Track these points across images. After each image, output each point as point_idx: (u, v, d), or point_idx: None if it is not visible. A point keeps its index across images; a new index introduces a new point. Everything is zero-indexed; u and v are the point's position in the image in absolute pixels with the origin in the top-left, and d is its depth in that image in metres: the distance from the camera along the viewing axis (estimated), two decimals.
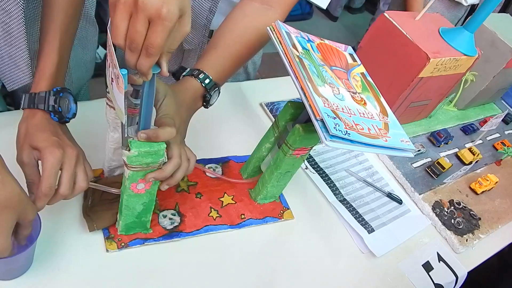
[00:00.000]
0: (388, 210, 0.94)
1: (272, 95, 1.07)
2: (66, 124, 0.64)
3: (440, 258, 0.91)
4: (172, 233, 0.72)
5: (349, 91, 0.67)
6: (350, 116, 0.62)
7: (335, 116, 0.59)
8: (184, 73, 0.73)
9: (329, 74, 0.67)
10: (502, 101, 1.51)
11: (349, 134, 0.58)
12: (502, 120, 1.36)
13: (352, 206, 0.90)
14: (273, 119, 1.00)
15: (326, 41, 0.75)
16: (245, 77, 1.17)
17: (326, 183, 0.92)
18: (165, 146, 0.57)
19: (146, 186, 0.61)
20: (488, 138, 1.29)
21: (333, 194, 0.91)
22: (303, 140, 0.70)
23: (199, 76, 0.72)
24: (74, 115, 0.65)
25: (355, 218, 0.88)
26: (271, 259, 0.76)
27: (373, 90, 0.72)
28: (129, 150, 0.55)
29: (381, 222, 0.90)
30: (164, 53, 0.49)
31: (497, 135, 1.33)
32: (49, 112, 0.61)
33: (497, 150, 1.25)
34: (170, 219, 0.73)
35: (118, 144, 0.68)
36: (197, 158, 0.84)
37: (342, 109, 0.62)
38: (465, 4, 1.76)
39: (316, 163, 0.96)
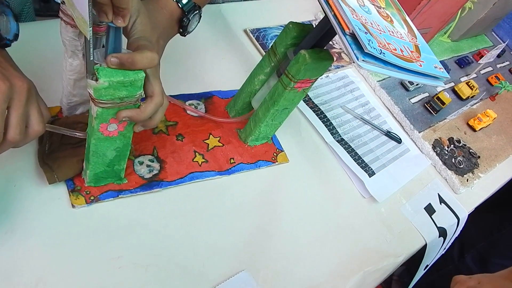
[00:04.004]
0: (388, 150, 0.85)
1: (258, 20, 0.92)
2: (7, 49, 0.49)
3: (442, 200, 0.85)
4: (152, 183, 0.60)
5: (373, 4, 0.55)
6: (381, 33, 0.50)
7: (366, 31, 0.47)
8: None
9: None
10: (493, 33, 1.42)
11: (384, 54, 0.46)
12: None
13: (351, 146, 0.81)
14: (261, 48, 0.87)
15: None
16: None
17: (322, 121, 0.82)
18: (144, 75, 0.44)
19: (120, 128, 0.48)
20: (482, 72, 1.21)
21: (330, 133, 0.81)
22: (309, 70, 0.58)
23: None
24: (16, 36, 0.49)
25: (355, 160, 0.79)
26: (266, 207, 0.67)
27: (397, 7, 0.60)
28: (96, 80, 0.41)
29: (381, 163, 0.82)
30: None
31: (490, 68, 1.25)
32: None
33: (491, 84, 1.17)
34: (148, 166, 0.61)
35: (79, 74, 0.53)
36: (175, 94, 0.71)
37: (371, 24, 0.50)
38: None
39: (310, 98, 0.84)
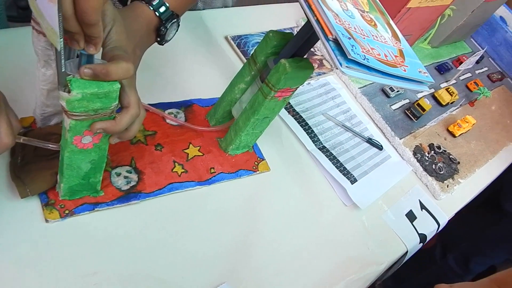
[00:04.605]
0: (369, 157, 0.85)
1: (239, 27, 0.91)
2: None
3: (423, 206, 0.85)
4: (129, 195, 0.59)
5: (357, 8, 0.54)
6: (364, 38, 0.49)
7: (349, 36, 0.47)
8: None
9: None
10: (472, 39, 1.45)
11: (367, 59, 0.46)
12: None
13: (332, 154, 0.80)
14: (242, 55, 0.86)
15: None
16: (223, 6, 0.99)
17: (303, 128, 0.81)
18: (119, 86, 0.42)
19: (95, 140, 0.47)
20: (461, 78, 1.22)
21: (312, 141, 0.80)
22: (289, 79, 0.57)
23: (152, 2, 0.57)
24: None
25: (337, 167, 0.78)
26: (247, 217, 0.66)
27: (381, 10, 0.60)
28: (69, 92, 0.40)
29: (363, 170, 0.82)
30: None
31: (469, 74, 1.27)
32: None
33: (470, 90, 1.19)
34: (126, 177, 0.60)
35: (52, 84, 0.52)
36: (154, 102, 0.70)
37: (355, 28, 0.49)
38: None
39: (291, 106, 0.84)
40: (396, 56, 0.54)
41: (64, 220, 0.53)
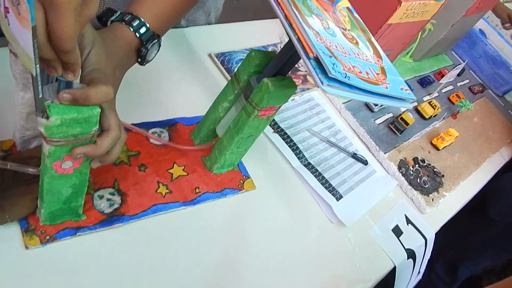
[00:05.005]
0: (354, 173, 0.85)
1: (223, 44, 0.91)
2: None
3: (408, 221, 0.85)
4: (112, 218, 0.58)
5: (338, 26, 0.55)
6: (346, 56, 0.50)
7: (330, 55, 0.47)
8: (112, 18, 0.57)
9: (314, 3, 0.54)
10: (453, 52, 1.47)
11: (348, 77, 0.46)
12: None
13: (318, 170, 0.80)
14: (226, 73, 0.86)
15: None
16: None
17: (288, 145, 0.81)
18: (99, 111, 0.42)
19: (75, 164, 0.46)
20: (443, 91, 1.24)
21: (297, 158, 0.80)
22: (272, 98, 0.57)
23: (132, 23, 0.56)
24: None
25: (322, 184, 0.78)
26: (233, 237, 0.65)
27: (362, 28, 0.60)
28: (47, 118, 0.39)
29: (348, 186, 0.82)
30: None
31: (451, 87, 1.29)
32: None
33: (453, 103, 1.21)
34: (109, 200, 0.59)
35: (31, 108, 0.51)
36: (137, 122, 0.69)
37: (336, 46, 0.50)
38: None
39: (276, 123, 0.84)
40: (378, 74, 0.55)
41: (44, 246, 0.52)
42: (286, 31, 0.50)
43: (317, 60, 0.47)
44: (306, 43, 0.48)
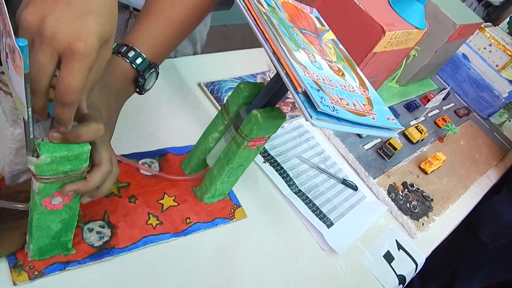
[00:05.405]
0: (345, 199, 0.86)
1: (212, 73, 0.93)
2: None
3: (400, 246, 0.85)
4: (102, 251, 0.57)
5: (324, 59, 0.56)
6: (333, 89, 0.51)
7: (318, 88, 0.48)
8: None
9: (300, 37, 0.55)
10: (437, 76, 1.51)
11: (336, 110, 0.47)
12: None
13: (309, 197, 0.81)
14: (215, 102, 0.87)
15: (290, 0, 0.63)
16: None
17: (278, 173, 0.82)
18: (90, 148, 0.42)
19: (65, 200, 0.46)
20: (429, 115, 1.26)
21: (287, 185, 0.81)
22: (262, 129, 0.58)
23: (128, 54, 0.57)
24: None
25: (313, 211, 0.79)
26: (225, 267, 0.65)
27: (348, 60, 0.62)
28: (37, 157, 0.39)
29: (339, 213, 0.82)
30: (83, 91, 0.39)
31: (437, 111, 1.31)
32: None
33: (439, 126, 1.23)
34: (98, 232, 0.58)
35: (21, 143, 0.51)
36: (127, 153, 0.70)
37: (323, 79, 0.51)
38: None
39: (266, 150, 0.85)
40: (364, 105, 0.56)
41: (33, 282, 0.51)
42: (274, 66, 0.51)
43: (306, 94, 0.49)
44: (294, 78, 0.49)
